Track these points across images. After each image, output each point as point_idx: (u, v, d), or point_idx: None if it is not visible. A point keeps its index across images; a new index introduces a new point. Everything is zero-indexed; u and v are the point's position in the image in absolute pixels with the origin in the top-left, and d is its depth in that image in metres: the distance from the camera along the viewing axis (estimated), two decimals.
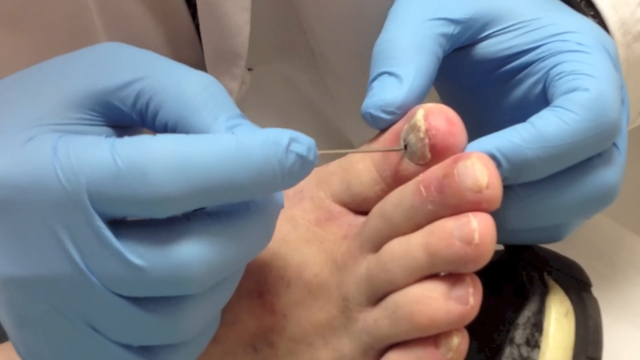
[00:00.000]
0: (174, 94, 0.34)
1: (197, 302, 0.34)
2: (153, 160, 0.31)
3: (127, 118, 0.35)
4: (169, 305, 0.33)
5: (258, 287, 0.40)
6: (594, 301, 0.43)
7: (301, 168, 0.33)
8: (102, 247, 0.31)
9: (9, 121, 0.33)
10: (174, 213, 0.32)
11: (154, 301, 0.33)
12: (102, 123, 0.35)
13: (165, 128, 0.35)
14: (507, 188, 0.38)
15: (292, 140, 0.33)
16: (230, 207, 0.34)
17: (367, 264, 0.39)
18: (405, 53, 0.40)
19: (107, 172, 0.31)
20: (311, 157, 0.34)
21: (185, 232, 0.32)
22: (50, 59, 0.36)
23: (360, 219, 0.41)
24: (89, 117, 0.34)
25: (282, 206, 0.36)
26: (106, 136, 0.32)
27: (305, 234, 0.41)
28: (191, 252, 0.32)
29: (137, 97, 0.34)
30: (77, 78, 0.35)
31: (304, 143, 0.33)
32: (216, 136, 0.33)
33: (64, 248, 0.31)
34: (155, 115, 0.35)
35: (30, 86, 0.35)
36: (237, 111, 0.35)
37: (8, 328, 0.34)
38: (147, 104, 0.34)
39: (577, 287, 0.43)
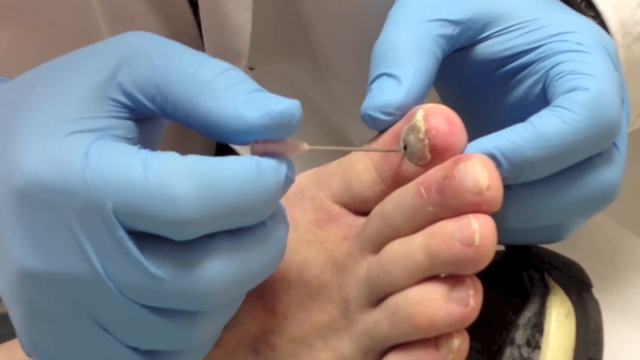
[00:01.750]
0: (190, 85, 0.34)
1: (211, 315, 0.34)
2: (183, 183, 0.31)
3: (149, 110, 0.35)
4: (182, 316, 0.33)
5: (259, 289, 0.40)
6: (595, 302, 0.43)
7: (287, 189, 0.35)
8: (123, 255, 0.31)
9: (40, 116, 0.33)
10: (194, 236, 0.32)
11: (167, 309, 0.33)
12: (129, 115, 0.35)
13: (187, 119, 0.34)
14: (507, 188, 0.38)
15: (288, 166, 0.34)
16: (250, 227, 0.34)
17: (367, 265, 0.39)
18: (404, 54, 0.40)
19: (136, 188, 0.31)
20: (294, 179, 0.35)
21: (207, 248, 0.33)
22: (75, 50, 0.36)
23: (361, 219, 0.41)
24: (117, 108, 0.34)
25: (288, 226, 0.37)
26: (139, 147, 0.32)
27: (306, 235, 0.41)
28: (212, 269, 0.32)
29: (156, 90, 0.34)
30: (102, 70, 0.34)
31: (292, 168, 0.35)
32: (239, 159, 0.33)
33: (84, 250, 0.32)
34: (175, 107, 0.34)
35: (58, 79, 0.35)
36: (256, 86, 0.35)
37: (15, 319, 0.35)
38: (166, 97, 0.34)
39: (578, 287, 0.43)
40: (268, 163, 0.34)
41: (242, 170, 0.33)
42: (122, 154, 0.32)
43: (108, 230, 0.31)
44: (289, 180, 0.35)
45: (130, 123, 0.35)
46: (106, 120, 0.34)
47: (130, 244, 0.31)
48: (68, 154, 0.32)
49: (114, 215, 0.31)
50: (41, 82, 0.35)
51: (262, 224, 0.35)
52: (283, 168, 0.34)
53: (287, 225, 0.36)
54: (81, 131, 0.33)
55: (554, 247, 0.44)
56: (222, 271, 0.33)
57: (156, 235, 0.32)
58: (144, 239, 0.32)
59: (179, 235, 0.32)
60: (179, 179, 0.31)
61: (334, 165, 0.42)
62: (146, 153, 0.32)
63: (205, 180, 0.32)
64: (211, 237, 0.33)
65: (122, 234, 0.31)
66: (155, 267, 0.32)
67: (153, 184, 0.31)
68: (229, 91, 0.34)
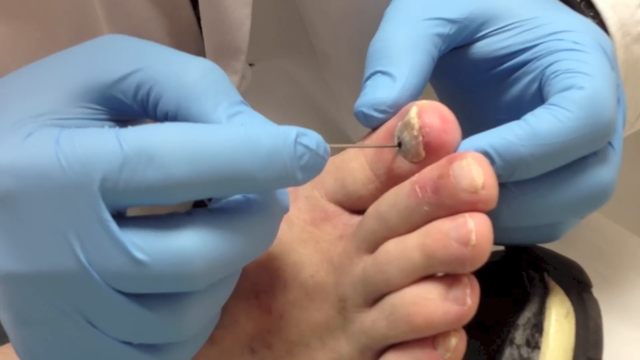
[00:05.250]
0: (173, 83, 0.34)
1: (198, 300, 0.34)
2: (159, 144, 0.31)
3: (129, 110, 0.35)
4: (169, 303, 0.33)
5: (254, 288, 0.40)
6: (595, 302, 0.42)
7: (311, 162, 0.34)
8: (107, 239, 0.31)
9: (9, 117, 0.33)
10: (183, 200, 0.32)
11: (154, 298, 0.33)
12: (104, 117, 0.35)
13: (167, 118, 0.34)
14: (501, 186, 0.38)
15: (299, 134, 0.33)
16: (234, 204, 0.34)
17: (363, 265, 0.39)
18: (399, 53, 0.40)
19: (114, 158, 0.31)
20: (320, 151, 0.34)
21: (187, 227, 0.32)
22: (52, 54, 0.36)
23: (356, 218, 0.41)
24: (91, 110, 0.34)
25: (286, 209, 0.36)
26: (108, 126, 0.33)
27: (301, 234, 0.41)
28: (193, 247, 0.32)
29: (138, 88, 0.34)
30: (78, 72, 0.35)
31: (312, 137, 0.34)
32: (224, 125, 0.33)
33: (66, 241, 0.31)
34: (156, 106, 0.34)
35: (31, 81, 0.35)
36: (239, 98, 0.35)
37: (7, 326, 0.34)
38: (148, 95, 0.34)
39: (578, 287, 0.43)
40: (260, 130, 0.33)
41: (227, 130, 0.32)
42: (92, 134, 0.32)
43: (92, 211, 0.31)
44: (312, 153, 0.34)
45: (109, 124, 0.35)
46: (78, 122, 0.34)
47: (114, 226, 0.31)
48: (38, 145, 0.32)
49: (100, 194, 0.31)
50: (15, 85, 0.35)
51: (249, 202, 0.34)
52: (288, 134, 0.33)
53: (281, 207, 0.36)
54: (50, 126, 0.33)
55: (553, 247, 0.44)
56: (204, 248, 0.32)
57: (136, 218, 0.32)
58: (123, 222, 0.32)
59: (165, 200, 0.32)
60: (155, 142, 0.31)
61: (327, 163, 0.42)
62: (116, 129, 0.32)
63: (184, 140, 0.31)
64: (191, 213, 0.33)
65: (107, 215, 0.31)
66: (137, 250, 0.31)
67: (129, 150, 0.31)
68: (212, 99, 0.34)
